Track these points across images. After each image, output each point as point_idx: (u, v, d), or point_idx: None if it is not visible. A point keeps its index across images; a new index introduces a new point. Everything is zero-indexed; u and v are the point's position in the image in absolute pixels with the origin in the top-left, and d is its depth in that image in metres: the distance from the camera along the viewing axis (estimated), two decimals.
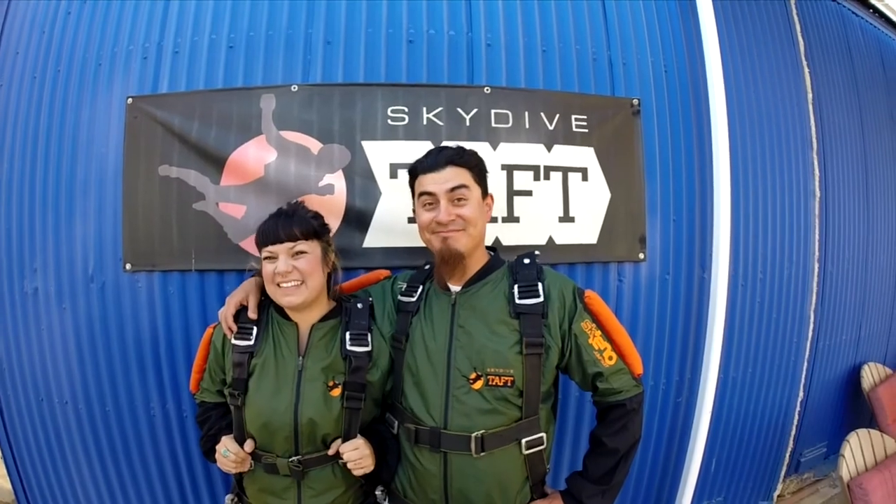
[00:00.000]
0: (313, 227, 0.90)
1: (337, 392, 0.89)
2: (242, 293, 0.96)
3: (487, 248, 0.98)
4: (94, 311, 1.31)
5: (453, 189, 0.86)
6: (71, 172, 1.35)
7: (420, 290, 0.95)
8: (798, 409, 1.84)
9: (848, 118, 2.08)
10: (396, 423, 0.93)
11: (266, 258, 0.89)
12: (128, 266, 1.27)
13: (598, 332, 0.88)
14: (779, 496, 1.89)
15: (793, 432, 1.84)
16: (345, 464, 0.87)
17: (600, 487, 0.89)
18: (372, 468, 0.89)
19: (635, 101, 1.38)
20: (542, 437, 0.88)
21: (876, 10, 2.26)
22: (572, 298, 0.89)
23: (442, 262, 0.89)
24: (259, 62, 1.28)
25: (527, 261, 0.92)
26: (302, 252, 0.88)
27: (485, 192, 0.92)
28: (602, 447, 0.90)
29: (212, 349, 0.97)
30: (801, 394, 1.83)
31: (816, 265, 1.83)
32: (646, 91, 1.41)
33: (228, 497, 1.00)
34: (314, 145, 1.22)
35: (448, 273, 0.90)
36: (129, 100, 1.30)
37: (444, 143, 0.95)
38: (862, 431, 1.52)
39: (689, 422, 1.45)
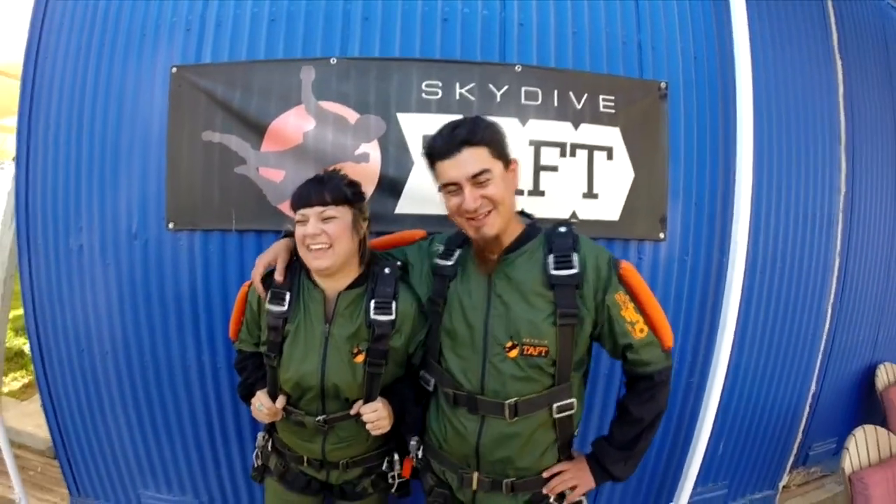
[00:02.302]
0: (344, 194, 0.93)
1: (360, 358, 0.96)
2: (272, 254, 1.01)
3: (524, 214, 0.98)
4: (136, 267, 1.42)
5: (475, 175, 0.84)
6: (116, 136, 1.45)
7: (457, 254, 0.97)
8: (809, 401, 1.89)
9: (881, 115, 2.09)
10: (433, 381, 0.97)
11: (299, 221, 0.93)
12: (171, 225, 1.38)
13: (631, 305, 0.90)
14: (784, 487, 1.96)
15: (802, 425, 1.90)
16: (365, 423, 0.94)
17: (623, 454, 0.94)
18: (388, 429, 0.95)
19: (663, 85, 1.44)
20: (572, 403, 0.91)
21: None
22: (607, 269, 0.89)
23: (478, 249, 0.93)
24: (299, 35, 1.36)
25: (563, 229, 0.92)
26: (332, 217, 0.91)
27: (507, 163, 0.89)
28: (628, 415, 0.93)
29: (248, 307, 1.04)
30: (813, 387, 1.88)
31: (837, 260, 1.87)
32: (674, 76, 1.47)
33: (260, 434, 1.11)
34: (351, 115, 1.31)
35: (487, 252, 0.93)
36: (174, 69, 1.40)
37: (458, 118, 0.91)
38: (869, 427, 1.56)
39: (698, 403, 1.52)
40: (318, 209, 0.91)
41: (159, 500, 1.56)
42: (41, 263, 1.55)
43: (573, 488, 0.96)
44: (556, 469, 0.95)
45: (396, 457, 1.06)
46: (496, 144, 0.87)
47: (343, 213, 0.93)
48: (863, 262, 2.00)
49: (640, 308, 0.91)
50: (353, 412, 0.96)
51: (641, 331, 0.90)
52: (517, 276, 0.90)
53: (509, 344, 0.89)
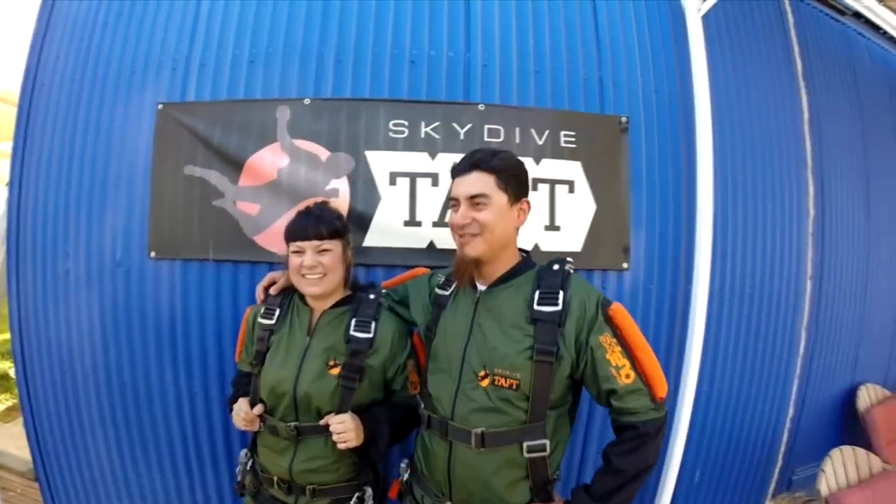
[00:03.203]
0: (337, 228, 1.05)
1: (336, 371, 1.03)
2: (277, 274, 1.17)
3: (522, 251, 1.02)
4: (119, 293, 1.51)
5: (472, 196, 0.90)
6: (105, 167, 1.56)
7: (454, 284, 1.02)
8: (788, 426, 1.91)
9: (849, 137, 2.15)
10: (422, 405, 1.02)
11: (294, 252, 1.03)
12: (152, 253, 1.47)
13: (618, 348, 0.88)
14: None
15: (782, 449, 1.92)
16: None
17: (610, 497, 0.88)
18: (355, 444, 0.99)
19: (623, 119, 1.53)
20: (544, 444, 0.90)
21: (884, 32, 2.35)
22: (594, 310, 0.89)
23: (456, 265, 0.97)
24: (276, 76, 1.47)
25: (555, 267, 0.93)
26: (326, 250, 1.02)
27: (515, 197, 0.93)
28: (609, 465, 0.89)
29: (247, 327, 1.16)
30: (791, 411, 1.90)
31: (809, 283, 1.92)
32: (635, 109, 1.55)
33: (243, 452, 1.18)
34: (323, 153, 1.41)
35: (477, 275, 0.96)
36: (160, 106, 1.51)
37: (485, 146, 1.04)
38: (847, 449, 1.58)
39: (668, 433, 1.55)
40: (314, 243, 1.02)
41: None
42: (28, 287, 1.64)
43: None
44: None
45: (369, 492, 1.08)
46: (506, 177, 0.92)
47: (335, 246, 1.05)
48: (837, 284, 2.04)
49: (629, 352, 0.88)
50: (322, 422, 1.01)
51: (628, 376, 0.87)
52: (500, 308, 0.93)
53: (482, 373, 0.91)
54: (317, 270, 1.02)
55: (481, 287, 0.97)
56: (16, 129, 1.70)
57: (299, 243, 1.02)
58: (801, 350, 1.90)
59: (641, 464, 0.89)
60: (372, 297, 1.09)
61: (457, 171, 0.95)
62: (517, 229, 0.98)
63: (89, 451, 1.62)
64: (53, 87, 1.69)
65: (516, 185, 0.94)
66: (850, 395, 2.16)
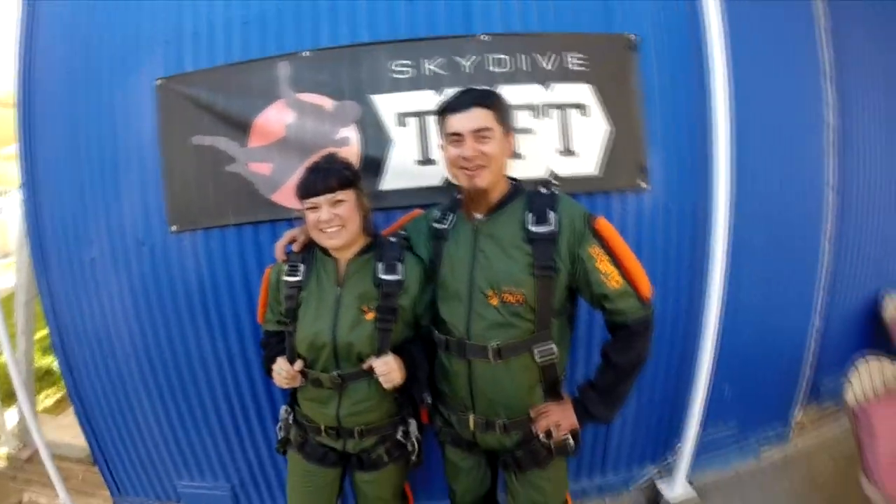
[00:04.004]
0: (347, 177, 1.05)
1: (371, 316, 1.06)
2: (296, 231, 1.17)
3: (510, 178, 1.08)
4: (146, 271, 1.55)
5: (478, 130, 0.96)
6: (113, 151, 1.57)
7: (451, 217, 1.09)
8: (814, 335, 1.94)
9: (870, 48, 2.07)
10: (436, 332, 1.09)
11: (309, 208, 1.04)
12: (173, 227, 1.49)
13: (606, 257, 0.97)
14: (798, 424, 2.02)
15: (809, 359, 1.95)
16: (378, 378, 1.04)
17: (604, 397, 1.03)
18: (400, 381, 1.04)
19: (632, 37, 1.49)
20: (552, 348, 1.01)
21: None
22: (582, 224, 0.98)
23: (469, 197, 1.05)
24: (271, 34, 1.45)
25: (543, 190, 1.02)
26: (340, 201, 1.03)
27: (507, 130, 1.02)
28: (607, 361, 1.03)
29: (270, 287, 1.16)
30: (816, 321, 1.93)
31: (831, 194, 1.90)
32: (644, 26, 1.51)
33: (283, 408, 1.22)
34: (328, 103, 1.40)
35: (474, 205, 1.05)
36: (158, 81, 1.50)
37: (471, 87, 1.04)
38: (873, 359, 1.53)
39: (696, 346, 1.59)
40: (327, 196, 1.02)
41: (194, 488, 1.71)
42: (58, 281, 1.69)
43: (559, 427, 1.05)
44: (541, 409, 1.05)
45: (413, 424, 1.15)
46: (501, 112, 1.01)
47: (349, 196, 1.05)
48: (860, 194, 2.02)
49: (615, 260, 0.98)
50: (365, 366, 1.06)
51: (617, 282, 0.98)
52: (499, 233, 1.01)
53: (491, 293, 1.00)
54: (334, 223, 1.03)
55: (478, 216, 1.04)
56: (19, 131, 1.70)
57: (312, 199, 1.03)
58: (825, 260, 1.91)
59: (634, 358, 1.02)
60: (393, 240, 1.12)
61: (454, 107, 0.99)
62: (507, 159, 1.05)
63: (142, 429, 1.71)
64: (49, 80, 1.67)
65: (506, 117, 1.02)
66: (876, 305, 2.17)
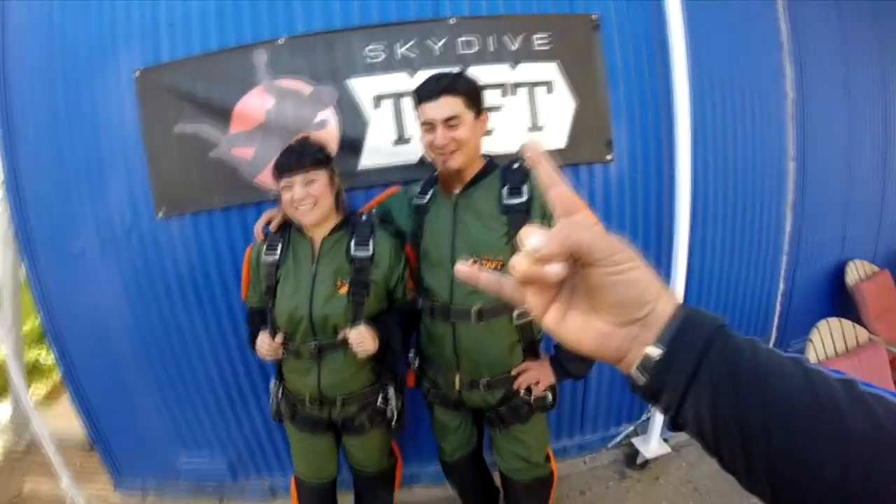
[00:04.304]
0: (319, 158, 1.11)
1: (344, 290, 1.14)
2: (273, 212, 1.25)
3: (484, 156, 1.16)
4: (136, 257, 1.61)
5: (448, 118, 1.03)
6: (95, 144, 1.61)
7: (430, 192, 1.18)
8: (780, 300, 2.07)
9: (827, 21, 2.19)
10: (420, 299, 1.19)
11: (284, 187, 1.11)
12: (160, 214, 1.55)
13: None
14: None
15: (776, 322, 2.08)
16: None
17: (578, 355, 1.11)
18: (372, 350, 1.09)
19: (594, 17, 1.57)
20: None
21: None
22: None
23: (444, 176, 1.14)
24: (247, 22, 1.50)
25: (515, 165, 1.10)
26: (313, 181, 1.10)
27: (478, 112, 1.08)
28: None
29: (251, 266, 1.23)
30: (781, 286, 2.05)
31: (792, 164, 2.02)
32: (605, 6, 1.60)
33: (272, 381, 1.30)
34: (305, 88, 1.47)
35: (451, 182, 1.13)
36: (137, 73, 1.55)
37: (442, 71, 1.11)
38: (833, 320, 1.67)
39: None
40: (300, 176, 1.09)
41: (193, 463, 1.79)
42: (48, 274, 1.74)
43: (538, 384, 1.15)
44: (521, 367, 1.15)
45: (391, 390, 1.23)
46: (471, 95, 1.07)
47: (320, 175, 1.11)
48: (820, 163, 2.14)
49: None
50: (340, 337, 1.13)
51: None
52: (476, 205, 1.10)
53: (471, 261, 1.07)
54: (307, 201, 1.10)
55: (455, 192, 1.12)
56: None
57: (286, 179, 1.10)
58: (788, 227, 2.03)
59: None
60: (364, 218, 1.19)
61: (424, 96, 1.06)
62: (481, 138, 1.12)
63: (137, 411, 1.77)
64: (25, 78, 1.70)
65: (477, 100, 1.08)
66: (839, 271, 2.31)
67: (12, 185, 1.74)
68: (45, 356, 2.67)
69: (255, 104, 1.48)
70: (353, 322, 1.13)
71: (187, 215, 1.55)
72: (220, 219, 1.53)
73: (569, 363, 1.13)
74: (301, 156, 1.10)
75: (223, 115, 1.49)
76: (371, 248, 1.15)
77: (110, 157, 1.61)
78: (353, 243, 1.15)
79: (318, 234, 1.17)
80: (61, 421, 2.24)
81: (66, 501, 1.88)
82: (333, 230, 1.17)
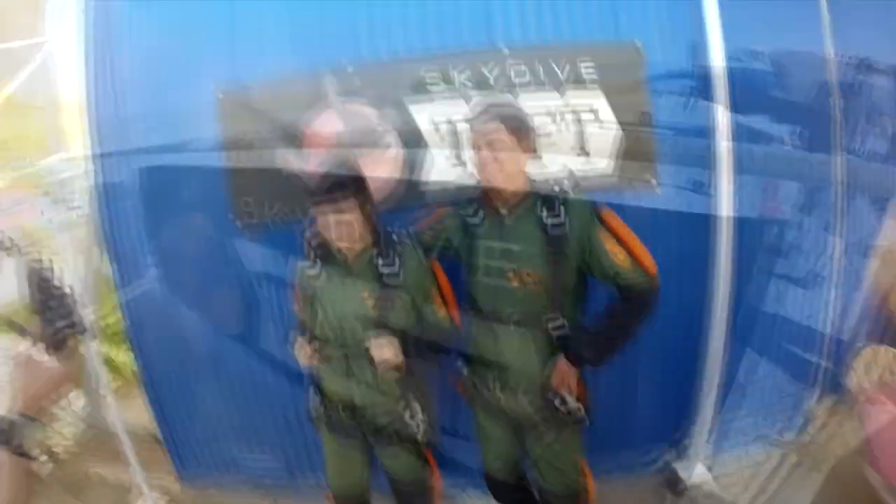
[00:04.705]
0: (350, 187, 1.19)
1: (372, 303, 1.24)
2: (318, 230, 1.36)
3: (529, 177, 1.25)
4: (214, 263, 1.79)
5: (491, 142, 1.16)
6: (178, 156, 1.81)
7: (480, 212, 1.28)
8: (829, 326, 2.01)
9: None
10: (467, 309, 1.32)
11: (319, 213, 1.19)
12: (238, 223, 1.73)
13: (612, 239, 1.18)
14: (818, 415, 2.06)
15: (825, 350, 2.01)
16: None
17: (593, 339, 1.23)
18: (394, 362, 1.18)
19: (638, 44, 1.65)
20: (562, 322, 1.23)
21: None
22: (588, 214, 1.19)
23: (484, 196, 1.26)
24: (318, 50, 1.66)
25: (556, 188, 1.23)
26: (343, 210, 1.17)
27: (520, 138, 1.18)
28: (609, 311, 1.23)
29: (298, 279, 1.35)
30: (831, 311, 1.99)
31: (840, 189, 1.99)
32: (649, 34, 1.66)
33: (311, 388, 1.40)
34: (372, 112, 1.63)
35: (497, 202, 1.23)
36: (220, 94, 1.74)
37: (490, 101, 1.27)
38: (875, 347, 1.59)
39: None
40: (332, 205, 1.18)
41: (254, 460, 1.92)
42: (131, 275, 1.93)
43: (569, 385, 1.24)
44: (553, 367, 1.24)
45: (417, 406, 1.31)
46: (511, 123, 1.19)
47: (352, 206, 1.19)
48: (867, 192, 2.09)
49: (621, 242, 1.18)
50: (366, 346, 1.21)
51: (624, 258, 1.17)
52: (519, 225, 1.23)
53: (511, 274, 1.22)
54: (339, 229, 1.19)
55: (503, 211, 1.24)
56: (89, 135, 1.86)
57: (321, 206, 1.19)
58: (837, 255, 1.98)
59: (633, 319, 1.22)
60: (395, 236, 1.29)
61: (473, 122, 1.21)
62: (525, 162, 1.22)
63: (206, 408, 1.92)
64: (124, 92, 1.84)
65: (518, 128, 1.19)
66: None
67: (101, 191, 1.89)
68: (116, 353, 2.90)
69: (326, 127, 1.65)
70: (377, 334, 1.21)
71: (263, 225, 1.72)
72: (292, 229, 1.69)
73: (582, 348, 1.23)
74: (332, 189, 1.19)
75: (297, 135, 1.67)
76: (398, 265, 1.25)
77: (192, 169, 1.80)
78: (381, 260, 1.25)
79: (352, 251, 1.25)
80: (128, 414, 2.45)
81: (129, 488, 2.03)
82: (365, 247, 1.26)
